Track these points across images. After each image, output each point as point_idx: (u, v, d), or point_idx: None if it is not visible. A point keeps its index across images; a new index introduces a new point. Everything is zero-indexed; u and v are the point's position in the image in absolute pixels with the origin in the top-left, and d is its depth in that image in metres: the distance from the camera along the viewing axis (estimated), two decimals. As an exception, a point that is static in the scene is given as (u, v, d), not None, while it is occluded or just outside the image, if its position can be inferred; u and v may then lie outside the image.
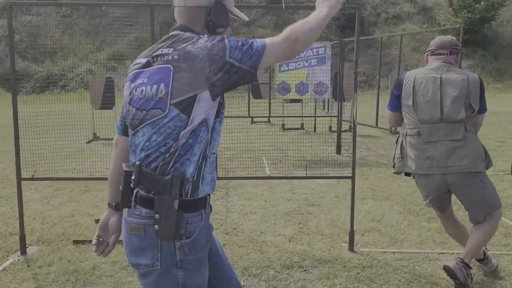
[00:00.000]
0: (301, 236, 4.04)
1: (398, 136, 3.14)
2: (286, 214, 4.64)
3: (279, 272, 3.34)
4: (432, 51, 2.96)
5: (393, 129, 9.31)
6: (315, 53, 7.34)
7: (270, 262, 3.51)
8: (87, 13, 22.63)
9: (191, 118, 1.48)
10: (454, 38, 3.00)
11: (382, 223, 4.36)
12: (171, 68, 1.49)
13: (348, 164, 6.84)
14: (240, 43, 1.49)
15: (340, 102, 7.77)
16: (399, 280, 3.20)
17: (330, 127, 10.03)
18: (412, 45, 22.46)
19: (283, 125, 10.39)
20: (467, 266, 2.88)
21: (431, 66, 2.93)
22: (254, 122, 11.20)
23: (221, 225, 4.31)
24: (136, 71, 1.62)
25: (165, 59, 1.52)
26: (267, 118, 11.10)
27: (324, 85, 7.40)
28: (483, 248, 3.16)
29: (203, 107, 1.49)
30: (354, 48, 3.69)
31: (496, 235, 4.04)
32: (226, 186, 5.66)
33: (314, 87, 7.44)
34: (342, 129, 8.13)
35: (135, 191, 1.55)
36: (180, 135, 1.49)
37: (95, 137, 8.87)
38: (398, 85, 2.98)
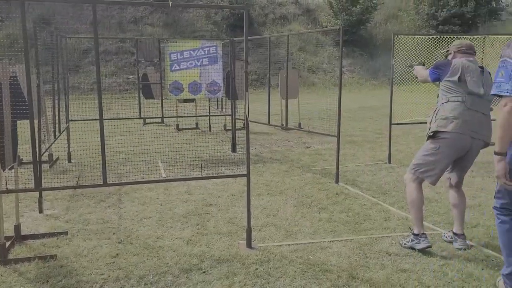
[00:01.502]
0: (200, 237, 3.99)
1: (436, 108, 3.69)
2: (183, 216, 4.54)
3: (177, 277, 3.26)
4: (464, 51, 3.70)
5: (284, 125, 9.69)
6: (206, 52, 7.32)
7: (168, 267, 3.41)
8: None
9: None
10: None
11: (277, 217, 4.49)
12: None
13: (243, 161, 6.95)
14: None
15: (233, 101, 7.86)
16: (295, 271, 3.32)
17: (225, 126, 10.11)
18: (299, 45, 23.63)
19: (177, 125, 10.21)
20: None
21: (470, 59, 3.68)
22: (147, 123, 10.84)
23: (114, 234, 4.08)
24: None
25: None
26: (160, 119, 10.81)
27: (217, 84, 7.42)
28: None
29: None
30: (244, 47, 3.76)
31: (377, 219, 4.43)
32: (118, 192, 5.38)
33: (207, 86, 7.42)
34: (237, 127, 8.23)
35: None
36: None
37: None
38: (445, 67, 3.66)
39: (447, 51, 3.89)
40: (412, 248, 3.65)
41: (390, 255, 3.60)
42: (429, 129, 3.65)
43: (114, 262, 3.48)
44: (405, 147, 8.19)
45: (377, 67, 23.57)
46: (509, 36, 8.19)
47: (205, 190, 5.42)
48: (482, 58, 6.94)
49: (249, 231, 3.74)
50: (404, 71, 7.10)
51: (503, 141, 2.64)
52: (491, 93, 2.78)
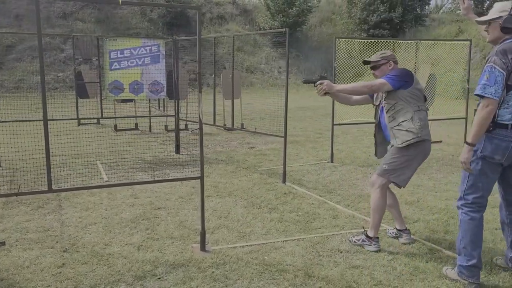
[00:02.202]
0: (151, 242, 3.86)
1: (412, 116, 3.65)
2: (131, 221, 4.38)
3: (131, 285, 3.13)
4: (396, 61, 3.88)
5: (227, 126, 9.68)
6: (148, 51, 7.09)
7: (120, 275, 3.27)
8: None
9: None
10: None
11: (229, 219, 4.47)
12: None
13: (188, 163, 6.85)
14: None
15: (176, 101, 7.71)
16: (252, 273, 3.32)
17: (166, 126, 9.89)
18: (237, 45, 23.68)
19: (115, 126, 9.82)
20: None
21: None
22: (82, 124, 10.33)
23: (57, 242, 3.84)
24: None
25: None
26: (95, 120, 10.35)
27: (160, 84, 7.23)
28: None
29: None
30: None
31: (326, 217, 4.56)
32: (57, 197, 5.07)
33: (149, 86, 7.20)
34: (179, 128, 8.07)
35: None
36: None
37: None
38: (409, 77, 3.69)
39: (379, 61, 3.82)
40: (361, 246, 3.79)
41: (341, 252, 3.71)
42: (418, 135, 3.60)
43: (61, 273, 3.27)
44: (345, 146, 8.51)
45: (313, 68, 24.25)
46: (434, 42, 8.78)
47: (152, 193, 5.26)
48: (415, 62, 7.37)
49: (203, 234, 3.69)
50: (343, 73, 7.37)
51: (477, 136, 2.97)
52: (474, 93, 3.00)
